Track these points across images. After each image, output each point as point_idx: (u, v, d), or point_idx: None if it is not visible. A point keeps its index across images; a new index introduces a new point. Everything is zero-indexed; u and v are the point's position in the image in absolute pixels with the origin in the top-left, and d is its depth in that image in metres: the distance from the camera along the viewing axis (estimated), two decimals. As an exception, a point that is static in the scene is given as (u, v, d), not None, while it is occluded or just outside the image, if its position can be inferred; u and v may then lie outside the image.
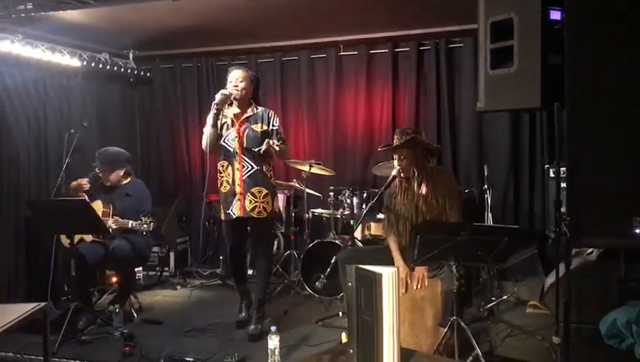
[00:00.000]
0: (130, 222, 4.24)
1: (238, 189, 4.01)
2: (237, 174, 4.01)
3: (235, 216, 4.03)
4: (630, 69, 2.55)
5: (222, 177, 4.10)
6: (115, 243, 4.38)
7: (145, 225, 4.19)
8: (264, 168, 4.06)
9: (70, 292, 4.47)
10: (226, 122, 4.04)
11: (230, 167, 4.04)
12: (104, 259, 4.42)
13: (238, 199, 4.01)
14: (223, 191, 4.10)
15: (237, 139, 4.00)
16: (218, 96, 3.92)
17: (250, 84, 4.07)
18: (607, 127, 2.60)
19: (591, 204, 2.65)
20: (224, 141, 4.03)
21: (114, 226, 4.27)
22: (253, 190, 4.01)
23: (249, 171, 4.01)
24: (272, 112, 4.16)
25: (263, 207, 4.04)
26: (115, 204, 4.51)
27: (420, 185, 3.64)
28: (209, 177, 4.01)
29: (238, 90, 3.98)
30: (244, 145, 3.99)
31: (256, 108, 4.12)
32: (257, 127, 4.03)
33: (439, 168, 3.77)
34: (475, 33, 3.20)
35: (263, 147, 3.91)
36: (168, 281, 5.85)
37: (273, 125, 4.10)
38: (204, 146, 4.02)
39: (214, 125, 3.96)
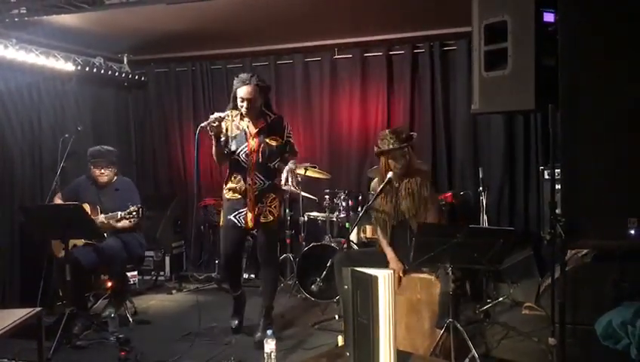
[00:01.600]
0: (119, 213, 4.25)
1: (250, 204, 3.92)
2: (249, 190, 3.90)
3: (242, 226, 3.96)
4: (623, 70, 2.57)
5: (230, 186, 3.98)
6: (107, 242, 4.38)
7: (134, 212, 4.19)
8: (275, 180, 3.98)
9: (65, 298, 4.45)
10: (238, 134, 3.90)
11: (242, 181, 3.92)
12: (98, 262, 4.39)
13: (249, 211, 3.93)
14: (229, 198, 3.99)
15: (252, 154, 3.87)
16: (211, 118, 3.76)
17: (259, 97, 3.84)
18: (601, 128, 2.62)
19: (586, 205, 2.66)
20: (238, 155, 3.89)
21: (105, 221, 4.27)
22: (264, 201, 3.96)
23: (261, 187, 3.92)
24: (286, 122, 4.02)
25: (269, 211, 3.97)
26: (103, 203, 4.49)
27: (400, 185, 3.68)
28: (197, 182, 4.04)
29: (247, 109, 3.81)
30: (260, 161, 3.87)
31: (270, 118, 3.96)
32: (273, 142, 3.90)
33: (417, 167, 3.79)
34: (469, 36, 3.21)
35: (283, 182, 3.80)
36: (164, 286, 5.83)
37: (288, 136, 3.99)
38: (216, 161, 4.01)
39: (216, 144, 3.85)
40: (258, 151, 3.87)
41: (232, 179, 3.97)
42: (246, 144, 3.88)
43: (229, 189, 3.99)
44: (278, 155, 3.94)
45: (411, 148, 3.72)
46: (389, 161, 3.68)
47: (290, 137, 4.03)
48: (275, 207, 4.01)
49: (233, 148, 3.88)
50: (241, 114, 3.89)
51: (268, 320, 4.14)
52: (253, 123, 3.92)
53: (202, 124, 3.76)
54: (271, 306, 4.21)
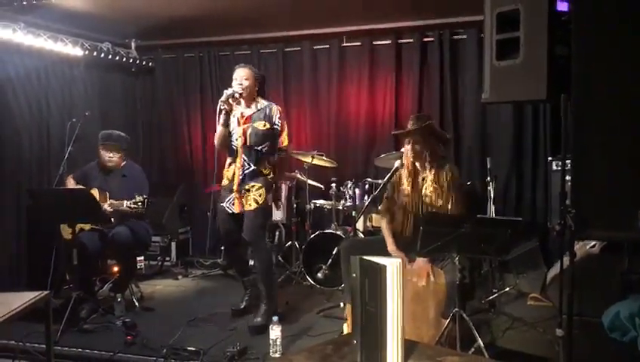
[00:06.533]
0: (125, 201, 4.25)
1: (234, 187, 4.03)
2: (236, 172, 4.03)
3: (231, 212, 4.07)
4: (637, 60, 2.54)
5: (225, 172, 4.14)
6: (116, 229, 4.37)
7: (140, 203, 4.19)
8: (262, 168, 4.05)
9: (72, 281, 4.47)
10: (233, 120, 4.06)
11: (233, 165, 4.07)
12: (105, 246, 4.41)
13: (236, 197, 4.04)
14: (223, 185, 4.16)
15: (240, 138, 4.02)
16: (223, 96, 3.94)
17: (255, 82, 4.06)
18: (613, 119, 2.59)
19: (595, 196, 2.65)
20: (231, 140, 4.06)
21: (109, 209, 4.27)
22: (247, 186, 4.01)
23: (246, 170, 4.02)
24: (274, 108, 4.08)
25: (254, 198, 4.01)
26: (111, 188, 4.49)
27: (428, 174, 3.65)
28: (217, 167, 4.17)
29: (242, 88, 3.97)
30: (247, 144, 3.99)
31: (260, 104, 4.08)
32: (261, 125, 4.01)
33: (446, 160, 3.76)
34: (479, 25, 3.19)
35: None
36: (170, 271, 5.86)
37: (275, 124, 4.06)
38: (216, 145, 4.14)
39: (223, 124, 3.99)
40: (246, 135, 4.00)
41: (227, 165, 4.13)
42: (237, 129, 4.05)
43: (225, 176, 4.14)
44: (265, 139, 4.01)
45: (435, 137, 3.68)
46: (408, 145, 3.66)
47: (278, 126, 4.07)
48: (260, 195, 4.02)
49: (232, 131, 4.06)
50: (237, 100, 4.04)
51: (268, 305, 4.07)
52: (246, 108, 4.08)
53: (224, 98, 3.91)
54: (270, 292, 4.11)
